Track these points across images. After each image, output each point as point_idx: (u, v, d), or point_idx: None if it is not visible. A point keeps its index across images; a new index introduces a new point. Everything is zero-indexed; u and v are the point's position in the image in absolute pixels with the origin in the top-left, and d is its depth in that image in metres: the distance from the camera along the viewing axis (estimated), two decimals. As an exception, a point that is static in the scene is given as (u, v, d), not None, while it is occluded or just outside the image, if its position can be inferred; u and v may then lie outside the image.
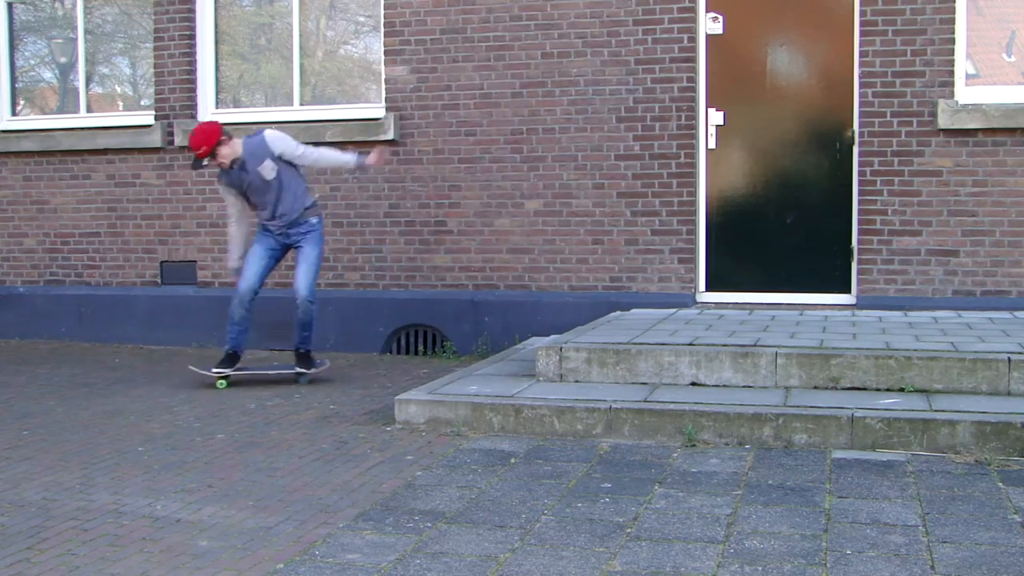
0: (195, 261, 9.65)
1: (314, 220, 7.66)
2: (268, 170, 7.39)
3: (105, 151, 9.83)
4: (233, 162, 7.39)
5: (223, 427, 6.27)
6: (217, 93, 9.66)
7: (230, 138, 7.37)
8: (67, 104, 10.31)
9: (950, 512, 4.31)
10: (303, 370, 7.70)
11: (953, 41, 7.85)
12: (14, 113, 10.38)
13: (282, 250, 7.77)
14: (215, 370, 7.63)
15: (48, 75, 10.66)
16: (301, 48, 9.41)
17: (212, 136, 7.28)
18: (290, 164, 7.49)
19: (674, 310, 8.07)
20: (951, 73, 7.88)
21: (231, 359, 7.70)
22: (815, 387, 5.92)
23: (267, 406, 6.88)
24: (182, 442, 5.90)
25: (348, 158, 7.73)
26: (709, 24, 8.39)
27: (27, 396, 7.41)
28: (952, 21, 7.85)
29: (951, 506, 4.39)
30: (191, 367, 7.86)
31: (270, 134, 7.46)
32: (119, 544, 4.19)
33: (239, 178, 7.47)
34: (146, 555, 4.05)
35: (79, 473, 5.28)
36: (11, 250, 10.21)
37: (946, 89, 7.87)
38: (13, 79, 10.37)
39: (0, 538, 4.28)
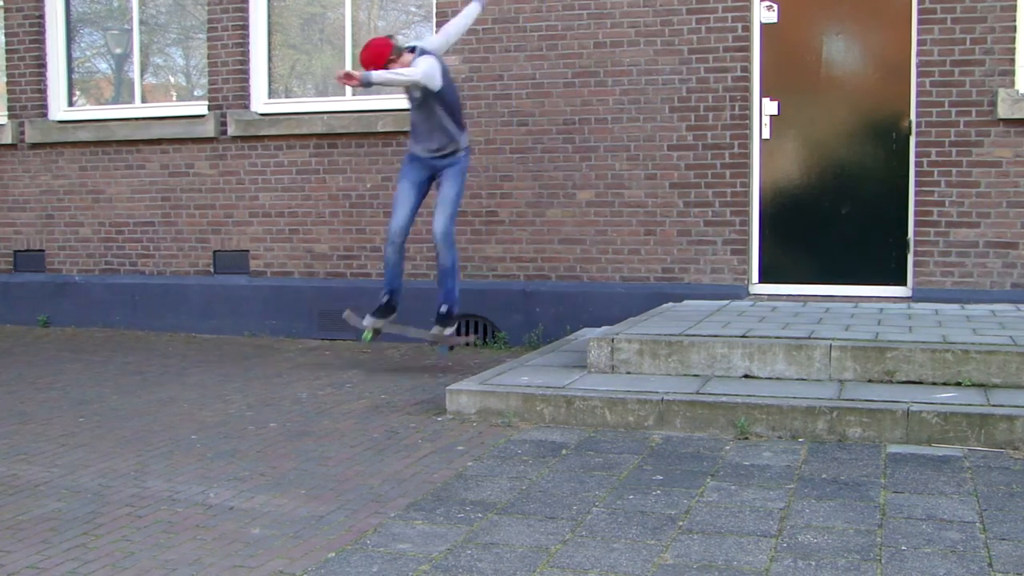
0: (247, 250, 9.71)
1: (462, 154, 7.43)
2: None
3: (159, 141, 9.92)
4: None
5: (275, 416, 6.31)
6: (270, 83, 9.71)
7: (399, 56, 7.10)
8: (122, 94, 10.41)
9: (1008, 509, 4.23)
10: (443, 331, 7.54)
11: (1014, 29, 7.71)
12: (70, 103, 10.50)
13: (428, 182, 7.49)
14: (369, 318, 7.64)
15: (103, 66, 10.77)
16: (353, 38, 9.42)
17: (382, 56, 7.02)
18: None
19: (727, 302, 8.01)
20: (1012, 62, 7.73)
21: (387, 310, 7.62)
22: (870, 380, 5.85)
23: (319, 395, 6.92)
24: (235, 430, 5.95)
25: (473, 8, 7.60)
26: (763, 13, 8.30)
27: (82, 383, 7.50)
28: (1013, 8, 7.70)
29: (1009, 503, 4.31)
30: (348, 312, 7.90)
31: (427, 49, 7.21)
32: (173, 531, 4.22)
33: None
34: (199, 542, 4.09)
35: (133, 460, 5.33)
36: (67, 239, 10.34)
37: (1006, 78, 7.74)
38: (70, 70, 10.50)
39: (57, 523, 4.33)
